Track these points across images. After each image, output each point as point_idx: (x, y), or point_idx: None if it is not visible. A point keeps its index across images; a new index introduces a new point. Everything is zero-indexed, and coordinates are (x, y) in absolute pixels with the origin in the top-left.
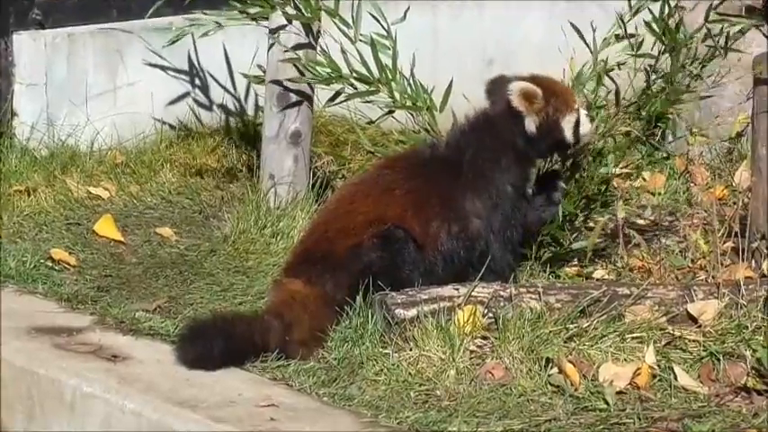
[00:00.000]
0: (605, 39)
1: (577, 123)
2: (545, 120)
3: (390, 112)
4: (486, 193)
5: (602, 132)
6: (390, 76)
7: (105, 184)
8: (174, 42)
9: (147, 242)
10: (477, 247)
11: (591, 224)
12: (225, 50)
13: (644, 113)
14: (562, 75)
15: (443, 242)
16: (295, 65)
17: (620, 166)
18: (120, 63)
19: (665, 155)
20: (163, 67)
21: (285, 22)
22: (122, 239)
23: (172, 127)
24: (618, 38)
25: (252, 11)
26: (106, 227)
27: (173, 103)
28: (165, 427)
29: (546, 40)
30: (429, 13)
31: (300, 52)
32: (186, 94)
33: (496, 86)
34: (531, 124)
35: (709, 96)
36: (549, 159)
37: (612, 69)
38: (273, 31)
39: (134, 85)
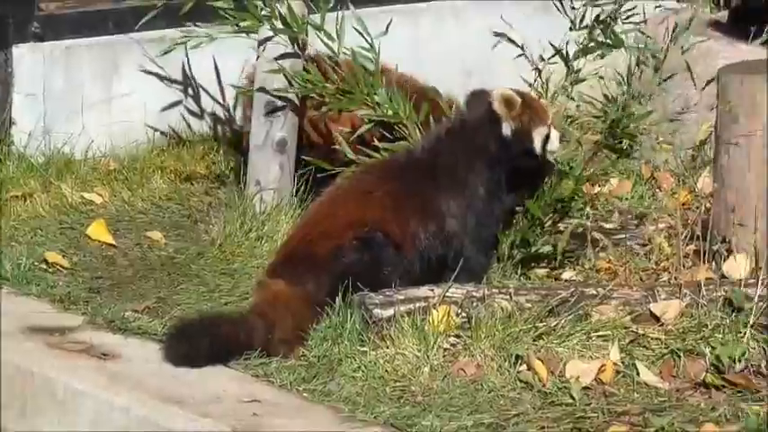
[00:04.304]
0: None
1: (547, 137)
2: (519, 126)
3: (371, 122)
4: (460, 194)
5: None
6: (372, 88)
7: (98, 189)
8: (166, 53)
9: (138, 245)
10: (452, 246)
11: (561, 227)
12: (215, 62)
13: (607, 121)
14: (534, 85)
15: (421, 240)
16: (285, 75)
17: (589, 172)
18: (114, 74)
19: (631, 162)
20: (157, 77)
21: (273, 35)
22: (114, 243)
23: (163, 134)
24: (584, 52)
25: (242, 24)
26: (99, 231)
27: (164, 111)
28: (153, 422)
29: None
30: (411, 24)
31: (287, 64)
32: (178, 104)
33: (476, 98)
34: (507, 128)
35: (678, 119)
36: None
37: (583, 81)
38: (261, 44)
39: (128, 96)
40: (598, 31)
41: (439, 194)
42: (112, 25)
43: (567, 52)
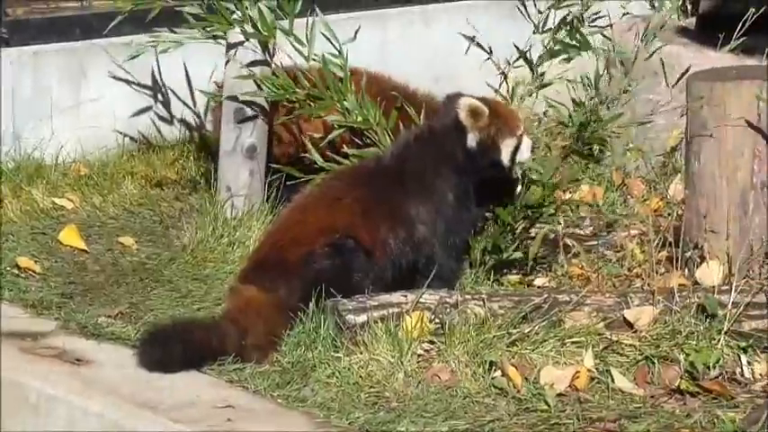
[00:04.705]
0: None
1: (517, 149)
2: (485, 138)
3: (341, 127)
4: (429, 200)
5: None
6: (342, 94)
7: (69, 195)
8: (133, 58)
9: (110, 251)
10: (423, 252)
11: (532, 233)
12: (185, 67)
13: (572, 126)
14: (500, 89)
15: (392, 246)
16: (254, 80)
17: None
18: (83, 79)
19: (602, 168)
20: (126, 82)
21: (242, 40)
22: (86, 248)
23: (133, 140)
24: (550, 55)
25: (210, 29)
26: (70, 236)
27: (134, 117)
28: (127, 428)
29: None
30: (379, 29)
31: (256, 69)
32: (147, 110)
33: (450, 103)
34: (472, 140)
35: (648, 121)
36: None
37: (549, 84)
38: (230, 48)
39: (97, 101)
40: (563, 34)
41: (408, 201)
42: (80, 31)
43: (530, 56)
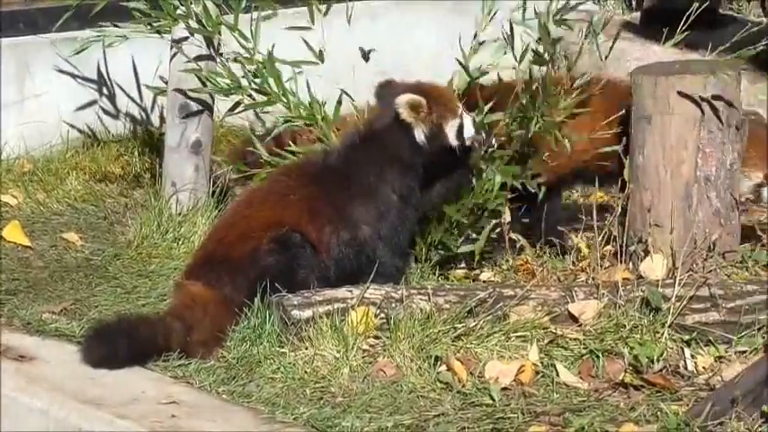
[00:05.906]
0: (472, 47)
1: (461, 128)
2: (431, 128)
3: (287, 122)
4: (372, 203)
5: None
6: (285, 90)
7: (13, 191)
8: (79, 52)
9: (54, 247)
10: (366, 252)
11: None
12: (133, 62)
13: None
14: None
15: (334, 248)
16: (197, 76)
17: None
18: (27, 75)
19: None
20: (71, 77)
21: (187, 35)
22: (29, 244)
23: (78, 135)
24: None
25: (156, 24)
26: (14, 232)
27: (78, 112)
28: (72, 425)
29: (436, 49)
30: (325, 24)
31: (201, 64)
32: (92, 105)
33: (385, 91)
34: (420, 134)
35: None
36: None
37: (485, 74)
38: (176, 42)
39: (41, 97)
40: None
41: (352, 203)
42: (23, 26)
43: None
